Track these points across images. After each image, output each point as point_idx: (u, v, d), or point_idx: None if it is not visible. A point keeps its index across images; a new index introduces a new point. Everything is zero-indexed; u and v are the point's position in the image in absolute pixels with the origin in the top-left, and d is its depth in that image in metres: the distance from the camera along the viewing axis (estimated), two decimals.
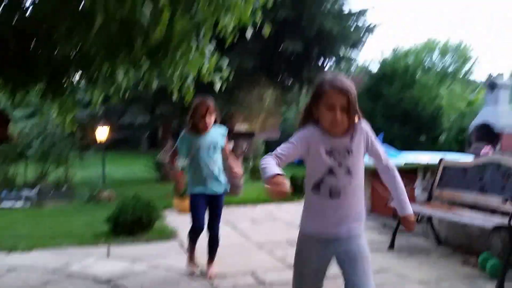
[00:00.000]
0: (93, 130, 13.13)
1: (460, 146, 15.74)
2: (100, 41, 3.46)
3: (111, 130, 13.36)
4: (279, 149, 2.43)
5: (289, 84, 12.02)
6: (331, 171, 2.44)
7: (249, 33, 4.10)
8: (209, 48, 4.45)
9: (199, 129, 4.66)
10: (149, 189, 11.48)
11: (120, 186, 12.78)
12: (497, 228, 4.61)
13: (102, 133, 12.84)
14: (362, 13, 11.55)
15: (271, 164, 2.35)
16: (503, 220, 4.67)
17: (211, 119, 4.65)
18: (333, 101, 2.36)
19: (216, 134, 4.77)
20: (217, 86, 4.96)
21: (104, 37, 3.31)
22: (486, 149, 7.69)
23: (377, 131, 12.28)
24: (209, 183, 4.72)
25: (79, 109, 8.57)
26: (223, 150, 4.84)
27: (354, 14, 11.54)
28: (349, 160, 2.46)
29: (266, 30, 4.30)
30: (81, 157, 13.02)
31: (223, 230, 5.56)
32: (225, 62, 4.78)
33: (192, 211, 4.76)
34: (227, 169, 4.87)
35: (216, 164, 4.75)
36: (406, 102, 19.07)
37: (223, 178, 4.83)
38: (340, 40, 11.11)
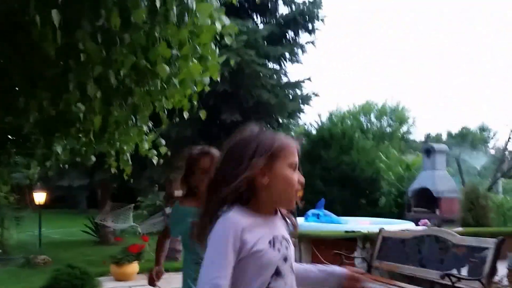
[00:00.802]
0: (30, 192, 12.81)
1: (400, 209, 16.02)
2: (37, 125, 3.42)
3: (48, 194, 13.03)
4: (220, 280, 1.52)
5: None
6: (278, 273, 1.66)
7: (185, 115, 4.08)
8: (147, 126, 4.42)
9: (200, 195, 2.74)
10: (86, 252, 11.17)
11: (56, 248, 12.56)
12: None
13: (39, 197, 12.47)
14: (299, 83, 11.90)
15: None
16: None
17: None
18: (296, 159, 1.72)
19: None
20: (155, 161, 4.77)
21: (40, 122, 3.29)
22: (424, 221, 7.86)
23: (316, 195, 12.30)
24: None
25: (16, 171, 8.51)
26: None
27: (290, 85, 11.89)
28: (290, 252, 1.73)
29: (202, 115, 4.28)
30: (18, 218, 12.57)
31: None
32: (162, 141, 4.63)
33: None
34: None
35: None
36: (345, 165, 19.44)
37: None
38: (277, 110, 11.36)
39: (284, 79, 12.29)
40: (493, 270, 4.58)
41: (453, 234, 5.40)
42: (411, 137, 32.48)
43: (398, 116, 32.59)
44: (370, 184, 19.10)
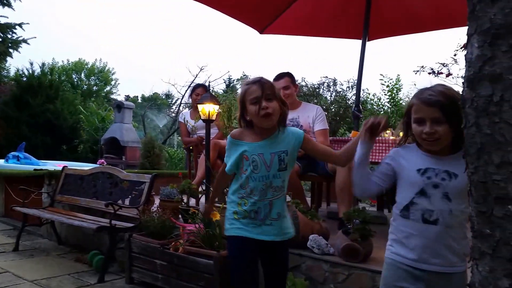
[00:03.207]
0: None
1: (94, 155, 16.03)
2: None
3: None
4: None
5: None
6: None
7: None
8: None
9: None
10: None
11: None
12: (103, 228, 4.72)
13: None
14: (11, 26, 10.57)
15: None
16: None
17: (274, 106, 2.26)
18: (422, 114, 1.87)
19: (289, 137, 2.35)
20: None
21: None
22: (101, 161, 7.94)
23: (22, 139, 11.42)
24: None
25: None
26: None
27: (0, 26, 10.45)
28: None
29: None
30: None
31: None
32: None
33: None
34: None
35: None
36: (50, 113, 18.38)
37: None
38: None
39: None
40: (148, 200, 4.92)
41: (121, 171, 5.64)
42: (114, 96, 32.49)
43: (104, 77, 32.37)
44: (72, 132, 18.58)
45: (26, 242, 5.92)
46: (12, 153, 11.84)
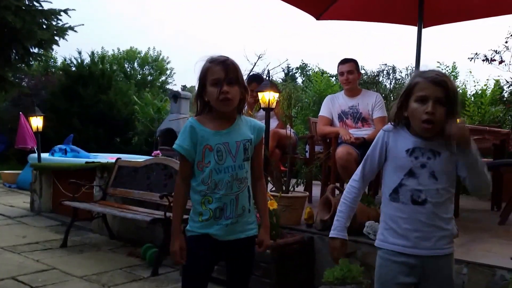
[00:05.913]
0: None
1: (149, 147, 16.37)
2: None
3: None
4: None
5: None
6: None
7: None
8: None
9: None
10: None
11: None
12: (157, 221, 4.91)
13: None
14: (56, 12, 10.91)
15: (343, 214, 2.33)
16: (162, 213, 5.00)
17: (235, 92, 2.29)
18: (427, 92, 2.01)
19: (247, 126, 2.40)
20: None
21: None
22: (156, 152, 8.13)
23: (73, 132, 11.70)
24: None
25: None
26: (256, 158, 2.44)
27: (43, 12, 10.80)
28: None
29: None
30: None
31: None
32: None
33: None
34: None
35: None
36: (102, 104, 18.91)
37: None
38: (25, 36, 10.25)
39: (38, 7, 11.06)
40: None
41: (176, 162, 5.73)
42: (170, 86, 33.14)
43: (159, 66, 33.06)
44: (126, 123, 19.05)
45: (75, 238, 6.15)
46: (59, 146, 12.04)
